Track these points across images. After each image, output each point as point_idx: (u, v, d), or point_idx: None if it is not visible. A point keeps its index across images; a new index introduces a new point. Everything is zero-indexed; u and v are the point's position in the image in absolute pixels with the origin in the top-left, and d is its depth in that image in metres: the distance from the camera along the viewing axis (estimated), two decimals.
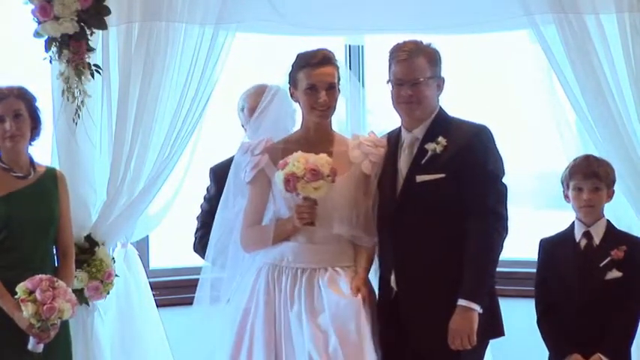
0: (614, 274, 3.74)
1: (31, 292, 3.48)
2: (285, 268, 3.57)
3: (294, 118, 3.78)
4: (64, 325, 3.70)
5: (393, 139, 3.65)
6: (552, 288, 3.85)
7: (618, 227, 4.35)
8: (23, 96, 3.71)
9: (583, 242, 3.83)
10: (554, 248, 3.89)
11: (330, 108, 3.57)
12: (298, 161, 3.42)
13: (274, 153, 3.59)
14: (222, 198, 3.76)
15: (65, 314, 3.52)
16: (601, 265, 3.75)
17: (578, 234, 3.85)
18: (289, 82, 3.63)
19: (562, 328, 3.80)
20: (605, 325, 3.72)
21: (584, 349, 3.74)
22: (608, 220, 3.87)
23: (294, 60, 3.63)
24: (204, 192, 4.22)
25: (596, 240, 3.82)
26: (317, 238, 3.57)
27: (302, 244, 3.57)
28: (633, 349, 3.83)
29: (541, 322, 3.88)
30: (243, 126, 4.10)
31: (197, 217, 4.21)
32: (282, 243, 3.59)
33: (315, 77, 3.54)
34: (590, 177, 3.79)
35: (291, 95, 3.63)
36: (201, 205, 4.21)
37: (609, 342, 3.73)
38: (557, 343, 3.82)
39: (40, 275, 3.52)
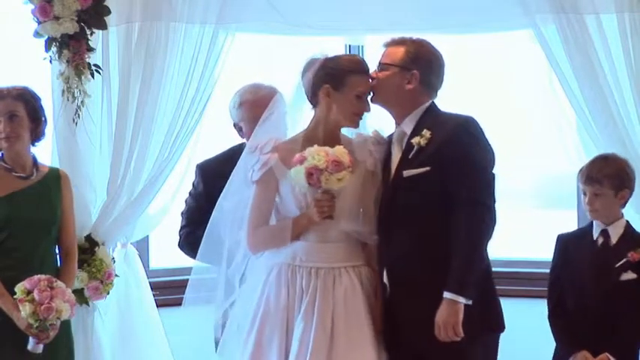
0: (629, 275, 3.72)
1: (29, 292, 3.48)
2: (299, 267, 3.55)
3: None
4: (66, 326, 3.70)
5: (390, 136, 3.66)
6: (565, 284, 3.83)
7: None
8: (22, 97, 3.71)
9: (600, 240, 3.81)
10: (571, 244, 3.88)
11: None
12: (318, 154, 3.40)
13: (284, 152, 3.56)
14: (222, 194, 3.74)
15: (63, 314, 3.52)
16: (616, 265, 3.73)
17: (596, 232, 3.83)
18: (327, 82, 3.54)
19: (573, 324, 3.78)
20: (616, 325, 3.70)
21: (594, 348, 3.72)
22: (627, 222, 3.85)
23: (330, 61, 3.56)
24: (190, 187, 4.15)
25: (614, 239, 3.79)
26: (328, 237, 3.55)
27: (313, 243, 3.55)
28: None
29: (552, 318, 3.87)
30: (235, 125, 4.05)
31: (182, 213, 4.15)
32: (293, 242, 3.57)
33: (367, 85, 3.55)
34: (589, 183, 3.78)
35: (326, 95, 3.55)
36: (185, 200, 4.14)
37: (619, 343, 3.71)
38: (566, 339, 3.81)
39: (38, 275, 3.52)
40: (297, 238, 3.57)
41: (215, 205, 3.70)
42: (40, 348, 3.55)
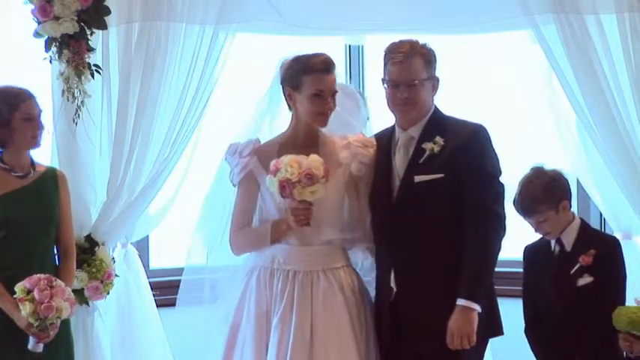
0: (586, 279, 3.65)
1: (29, 292, 3.47)
2: (277, 270, 3.55)
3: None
4: (65, 326, 3.69)
5: (385, 139, 3.64)
6: (535, 295, 3.81)
7: (618, 227, 4.36)
8: (34, 95, 3.73)
9: (557, 249, 3.77)
10: (534, 255, 3.85)
11: (331, 114, 3.56)
12: (291, 166, 3.37)
13: (263, 155, 3.57)
14: (206, 196, 3.77)
15: (63, 313, 3.52)
16: (572, 272, 3.68)
17: (553, 241, 3.79)
18: (288, 84, 3.58)
19: (546, 336, 3.76)
20: (583, 332, 3.65)
21: (566, 357, 3.69)
22: (582, 220, 3.80)
23: (292, 62, 3.58)
24: None
25: (567, 247, 3.74)
26: (310, 241, 3.55)
27: (293, 247, 3.55)
28: None
29: (527, 332, 3.84)
30: None
31: None
32: (274, 245, 3.57)
33: (323, 84, 3.51)
34: (527, 215, 3.74)
35: (288, 97, 3.58)
36: None
37: (586, 349, 3.66)
38: (542, 352, 3.79)
39: (38, 274, 3.52)
40: (278, 241, 3.56)
41: None
42: (40, 347, 3.55)
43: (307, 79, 3.52)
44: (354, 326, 3.52)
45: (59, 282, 3.54)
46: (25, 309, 3.46)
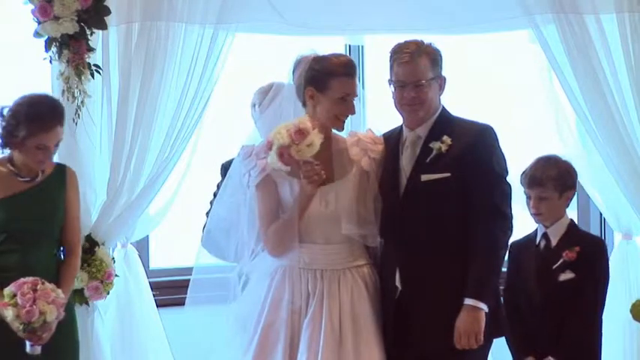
0: (567, 275, 3.69)
1: (15, 295, 3.45)
2: (303, 270, 3.54)
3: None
4: (68, 328, 3.67)
5: (393, 138, 3.64)
6: (516, 290, 3.82)
7: (618, 227, 4.37)
8: (62, 118, 3.70)
9: (542, 244, 3.80)
10: (519, 251, 3.86)
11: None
12: (279, 132, 3.35)
13: None
14: (216, 201, 3.75)
15: (48, 316, 3.46)
16: (554, 266, 3.71)
17: (538, 236, 3.82)
18: (311, 84, 3.53)
19: (523, 330, 3.77)
20: (561, 327, 3.68)
21: (542, 352, 3.71)
22: (571, 220, 3.82)
23: (315, 62, 3.54)
24: (215, 189, 4.15)
25: (554, 242, 3.77)
26: (331, 239, 3.55)
27: (317, 246, 3.55)
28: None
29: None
30: (255, 123, 4.04)
31: (206, 213, 4.16)
32: (301, 243, 3.54)
33: (351, 88, 3.50)
34: (533, 186, 3.76)
35: (309, 97, 3.54)
36: (211, 202, 4.16)
37: (562, 345, 3.68)
38: (517, 345, 3.80)
39: (24, 278, 3.48)
40: (302, 242, 3.52)
41: None
42: (38, 349, 3.52)
43: (334, 82, 3.49)
44: (378, 323, 3.54)
45: (46, 285, 3.49)
46: (9, 314, 3.43)
